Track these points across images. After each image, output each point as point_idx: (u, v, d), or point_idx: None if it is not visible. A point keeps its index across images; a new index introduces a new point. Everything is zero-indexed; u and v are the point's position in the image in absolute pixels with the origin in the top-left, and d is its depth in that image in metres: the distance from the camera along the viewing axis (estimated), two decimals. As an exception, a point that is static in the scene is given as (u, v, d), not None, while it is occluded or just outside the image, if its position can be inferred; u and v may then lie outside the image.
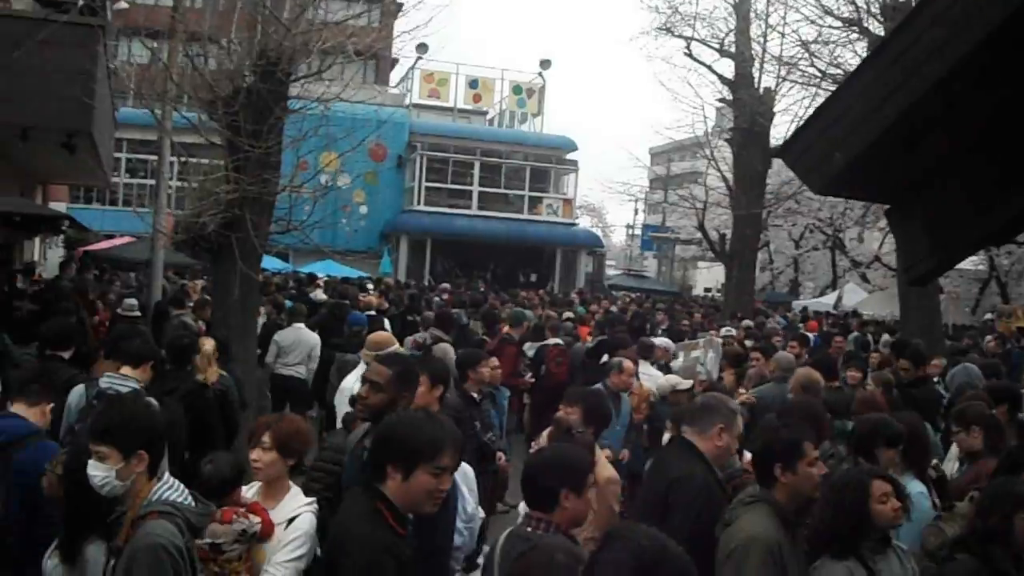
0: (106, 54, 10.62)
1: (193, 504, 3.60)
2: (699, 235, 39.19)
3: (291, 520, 4.06)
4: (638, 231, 61.18)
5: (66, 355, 6.54)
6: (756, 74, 22.50)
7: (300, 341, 11.22)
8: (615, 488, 5.29)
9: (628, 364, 8.33)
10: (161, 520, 3.40)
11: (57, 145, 10.59)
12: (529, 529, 3.63)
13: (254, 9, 8.98)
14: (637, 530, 2.59)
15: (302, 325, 11.47)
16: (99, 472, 3.45)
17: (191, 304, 11.96)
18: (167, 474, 3.67)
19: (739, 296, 22.81)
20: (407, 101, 39.81)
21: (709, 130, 24.25)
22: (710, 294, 45.79)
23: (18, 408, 4.83)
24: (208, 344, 7.20)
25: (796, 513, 3.97)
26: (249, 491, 4.28)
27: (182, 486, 3.64)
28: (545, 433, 5.74)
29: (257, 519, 3.93)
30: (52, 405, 5.02)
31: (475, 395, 7.53)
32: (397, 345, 7.70)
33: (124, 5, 11.78)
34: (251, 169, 8.54)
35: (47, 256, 24.58)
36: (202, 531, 3.64)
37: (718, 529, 3.98)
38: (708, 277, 51.51)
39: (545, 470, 3.74)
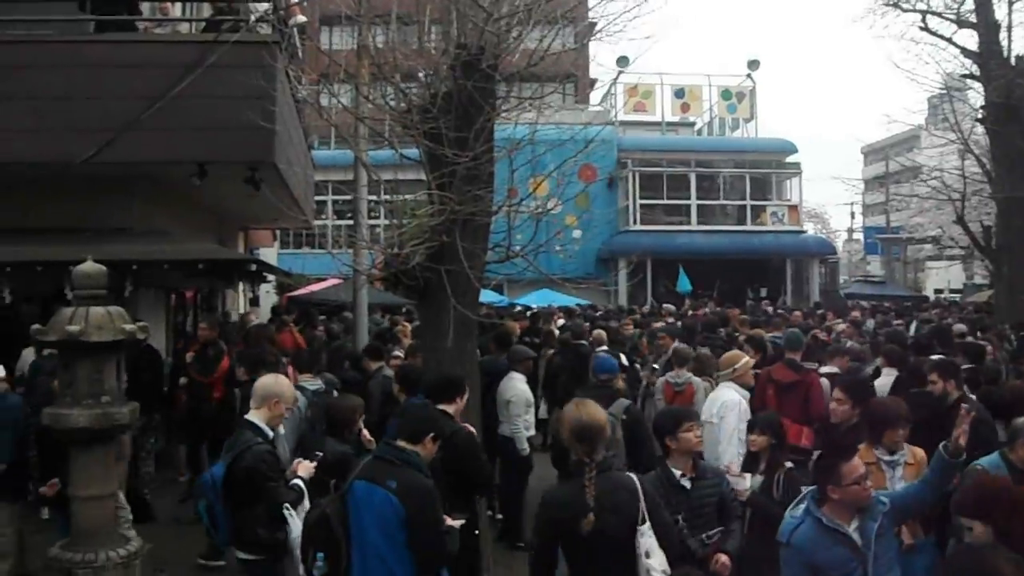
0: (289, 79, 9.23)
1: None
2: (932, 233, 35.61)
3: None
4: (857, 235, 57.83)
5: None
6: (1004, 42, 19.55)
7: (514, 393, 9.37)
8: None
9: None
10: None
11: (241, 181, 9.39)
12: None
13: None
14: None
15: (517, 375, 9.57)
16: None
17: (397, 352, 10.37)
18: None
19: (1012, 296, 19.40)
20: (612, 118, 38.33)
21: (955, 110, 21.51)
22: (941, 295, 41.99)
23: None
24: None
25: None
26: None
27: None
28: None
29: None
30: None
31: (679, 474, 5.30)
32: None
33: (302, 19, 10.61)
34: (459, 185, 6.90)
35: (260, 303, 24.19)
36: None
37: None
38: (940, 278, 47.74)
39: None
